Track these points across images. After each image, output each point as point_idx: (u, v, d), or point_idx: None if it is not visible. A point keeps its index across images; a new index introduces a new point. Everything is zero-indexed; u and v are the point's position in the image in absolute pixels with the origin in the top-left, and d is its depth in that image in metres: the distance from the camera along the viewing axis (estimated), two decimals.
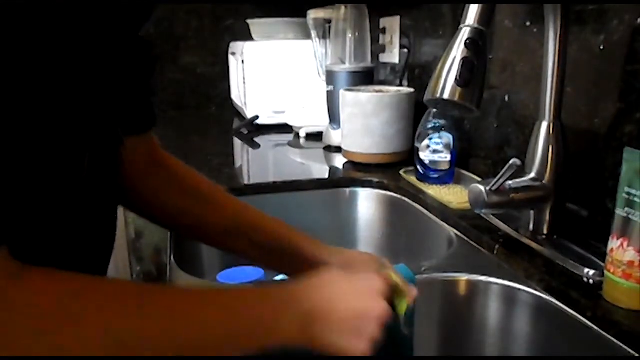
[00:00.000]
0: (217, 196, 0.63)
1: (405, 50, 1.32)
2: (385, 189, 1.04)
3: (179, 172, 0.62)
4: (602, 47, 0.70)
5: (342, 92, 1.16)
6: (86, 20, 0.36)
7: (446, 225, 0.86)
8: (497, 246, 0.72)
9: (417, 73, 1.27)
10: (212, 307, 0.41)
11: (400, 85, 1.33)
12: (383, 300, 0.45)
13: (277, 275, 0.90)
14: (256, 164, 1.31)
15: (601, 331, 0.55)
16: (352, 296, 0.45)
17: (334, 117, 1.30)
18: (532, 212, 0.73)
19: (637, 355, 0.51)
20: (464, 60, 0.60)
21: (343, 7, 1.29)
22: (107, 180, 0.48)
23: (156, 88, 0.57)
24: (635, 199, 0.53)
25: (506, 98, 0.91)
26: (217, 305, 0.42)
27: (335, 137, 1.29)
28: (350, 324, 0.44)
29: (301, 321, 0.43)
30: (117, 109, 0.46)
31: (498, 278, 0.68)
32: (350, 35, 1.29)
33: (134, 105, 0.54)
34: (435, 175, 0.98)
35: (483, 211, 0.71)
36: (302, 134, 1.48)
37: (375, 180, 1.05)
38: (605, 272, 0.57)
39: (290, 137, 1.50)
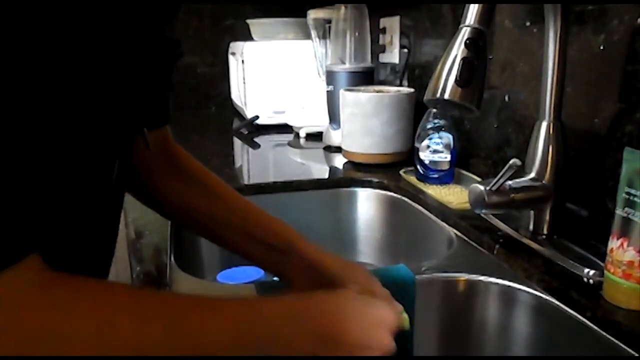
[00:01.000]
0: (225, 193, 0.64)
1: (405, 50, 1.32)
2: (385, 189, 1.04)
3: (189, 166, 0.63)
4: (602, 47, 0.70)
5: (342, 92, 1.16)
6: (112, 18, 0.36)
7: (446, 225, 0.86)
8: (497, 246, 0.72)
9: (417, 73, 1.27)
10: (227, 318, 0.41)
11: (400, 85, 1.33)
12: (390, 335, 0.46)
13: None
14: (256, 164, 1.31)
15: (601, 331, 0.55)
16: (366, 325, 0.46)
17: (334, 117, 1.30)
18: (532, 212, 0.73)
19: (637, 355, 0.51)
20: (464, 60, 0.60)
21: (343, 7, 1.29)
22: (124, 179, 0.48)
23: (173, 83, 0.57)
24: (635, 199, 0.53)
25: (506, 98, 0.91)
26: (233, 316, 0.41)
27: (335, 137, 1.29)
28: (357, 351, 0.44)
29: (314, 341, 0.43)
30: (140, 106, 0.47)
31: (498, 278, 0.68)
32: (350, 35, 1.29)
33: (153, 100, 0.54)
34: (435, 175, 0.98)
35: (483, 211, 0.71)
36: (302, 134, 1.48)
37: (375, 180, 1.05)
38: (605, 272, 0.57)
39: (290, 137, 1.50)
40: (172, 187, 0.61)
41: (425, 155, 0.98)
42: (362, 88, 1.19)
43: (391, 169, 1.09)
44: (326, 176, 1.13)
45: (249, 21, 1.72)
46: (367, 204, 1.06)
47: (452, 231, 0.83)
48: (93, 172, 0.38)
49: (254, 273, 0.88)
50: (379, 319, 0.47)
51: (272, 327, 0.42)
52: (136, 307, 0.37)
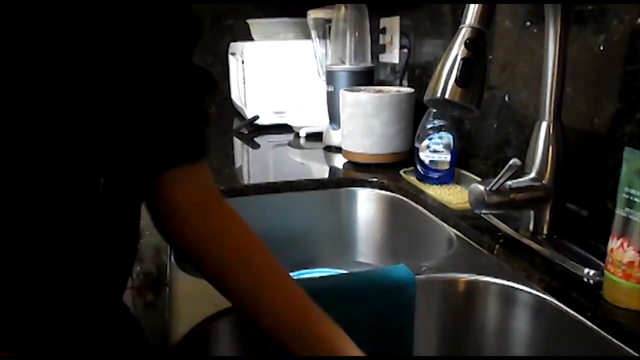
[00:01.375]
0: (270, 274, 0.52)
1: (405, 50, 1.32)
2: (385, 189, 1.04)
3: (232, 227, 0.52)
4: (602, 47, 0.70)
5: (342, 92, 1.16)
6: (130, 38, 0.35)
7: (446, 225, 0.86)
8: (497, 246, 0.72)
9: (417, 73, 1.27)
10: None
11: (400, 85, 1.33)
12: None
13: None
14: (256, 164, 1.31)
15: (601, 331, 0.55)
16: None
17: (334, 117, 1.30)
18: (532, 212, 0.73)
19: (637, 355, 0.51)
20: (464, 60, 0.60)
21: (343, 7, 1.29)
22: (130, 208, 0.45)
23: (207, 116, 0.51)
24: (635, 199, 0.53)
25: (506, 98, 0.91)
26: None
27: (335, 137, 1.29)
28: None
29: None
30: (149, 136, 0.43)
31: (498, 278, 0.68)
32: (350, 35, 1.29)
33: (177, 132, 0.48)
34: (435, 175, 0.98)
35: (483, 211, 0.71)
36: (302, 134, 1.48)
37: (375, 180, 1.05)
38: (605, 272, 0.57)
39: (290, 137, 1.50)
40: (209, 252, 0.50)
41: (425, 155, 0.98)
42: (362, 88, 1.19)
43: (391, 169, 1.09)
44: (326, 176, 1.13)
45: (249, 21, 1.72)
46: (367, 204, 1.06)
47: (452, 231, 0.83)
48: (71, 181, 0.36)
49: None
50: None
51: None
52: None
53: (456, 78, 0.60)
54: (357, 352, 0.49)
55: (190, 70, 0.46)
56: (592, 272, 0.61)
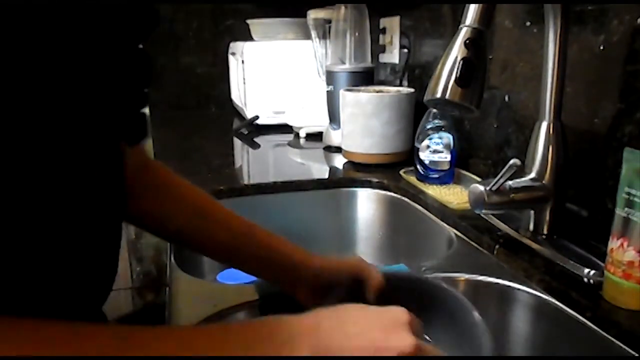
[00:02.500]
0: (212, 210, 0.61)
1: (405, 50, 1.32)
2: (385, 189, 1.04)
3: (171, 183, 0.60)
4: (602, 47, 0.70)
5: (342, 92, 1.16)
6: (89, 30, 0.36)
7: (446, 225, 0.86)
8: (497, 246, 0.72)
9: (417, 73, 1.27)
10: (229, 345, 0.39)
11: (400, 85, 1.33)
12: (408, 333, 0.42)
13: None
14: (256, 164, 1.31)
15: (601, 331, 0.55)
16: (372, 331, 0.42)
17: (334, 117, 1.30)
18: (532, 212, 0.73)
19: (637, 355, 0.51)
20: (464, 60, 0.60)
21: (343, 7, 1.29)
22: (113, 194, 0.46)
23: (148, 99, 0.56)
24: (635, 199, 0.53)
25: (506, 98, 0.91)
26: (235, 345, 0.39)
27: (335, 137, 1.29)
28: (373, 352, 0.41)
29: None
30: (113, 118, 0.46)
31: (498, 278, 0.68)
32: (350, 35, 1.29)
33: (128, 115, 0.53)
34: (435, 175, 0.98)
35: (483, 211, 0.71)
36: (302, 134, 1.48)
37: (375, 180, 1.05)
38: (605, 272, 0.57)
39: (290, 137, 1.50)
40: (156, 210, 0.58)
41: (425, 155, 0.98)
42: (362, 88, 1.19)
43: (391, 169, 1.09)
44: (326, 176, 1.13)
45: (249, 21, 1.72)
46: (367, 204, 1.06)
47: (452, 231, 0.83)
48: (57, 157, 0.36)
49: None
50: (387, 321, 0.43)
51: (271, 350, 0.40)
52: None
53: (456, 78, 0.60)
54: (301, 251, 0.60)
55: (137, 57, 0.46)
56: (592, 272, 0.61)
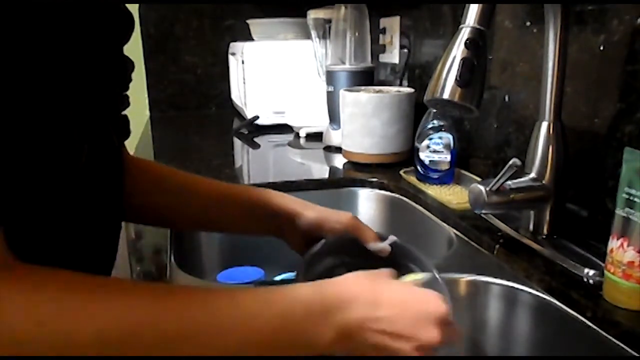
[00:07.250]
0: (194, 180, 0.65)
1: (405, 50, 1.32)
2: (385, 189, 1.04)
3: (148, 169, 0.64)
4: (602, 47, 0.70)
5: (342, 92, 1.16)
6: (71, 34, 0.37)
7: (446, 225, 0.86)
8: (497, 246, 0.72)
9: (417, 73, 1.27)
10: (257, 319, 0.40)
11: (400, 85, 1.34)
12: (438, 330, 0.43)
13: (277, 275, 0.90)
14: (256, 164, 1.31)
15: (601, 331, 0.55)
16: (403, 319, 0.43)
17: (334, 117, 1.30)
18: (532, 212, 0.73)
19: (637, 355, 0.51)
20: (464, 60, 0.60)
21: (343, 7, 1.29)
22: (112, 188, 0.48)
23: (128, 101, 0.57)
24: (635, 199, 0.53)
25: (506, 98, 0.91)
26: (261, 317, 0.40)
27: (335, 137, 1.29)
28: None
29: (340, 333, 0.42)
30: (106, 114, 0.46)
31: (498, 278, 0.68)
32: (350, 35, 1.29)
33: (111, 116, 0.53)
34: (435, 175, 0.98)
35: (483, 211, 0.71)
36: (302, 134, 1.48)
37: (375, 180, 1.05)
38: (605, 272, 0.57)
39: (290, 137, 1.50)
40: (141, 197, 0.61)
41: (425, 155, 0.98)
42: (362, 88, 1.19)
43: (391, 169, 1.09)
44: (326, 176, 1.13)
45: (249, 21, 1.72)
46: (367, 204, 1.06)
47: (452, 231, 0.84)
48: (56, 148, 0.37)
49: (254, 273, 0.88)
50: (426, 312, 0.44)
51: (298, 328, 0.41)
52: (123, 294, 0.36)
53: (456, 78, 0.60)
54: (296, 202, 0.65)
55: (117, 59, 0.48)
56: (592, 272, 0.61)
